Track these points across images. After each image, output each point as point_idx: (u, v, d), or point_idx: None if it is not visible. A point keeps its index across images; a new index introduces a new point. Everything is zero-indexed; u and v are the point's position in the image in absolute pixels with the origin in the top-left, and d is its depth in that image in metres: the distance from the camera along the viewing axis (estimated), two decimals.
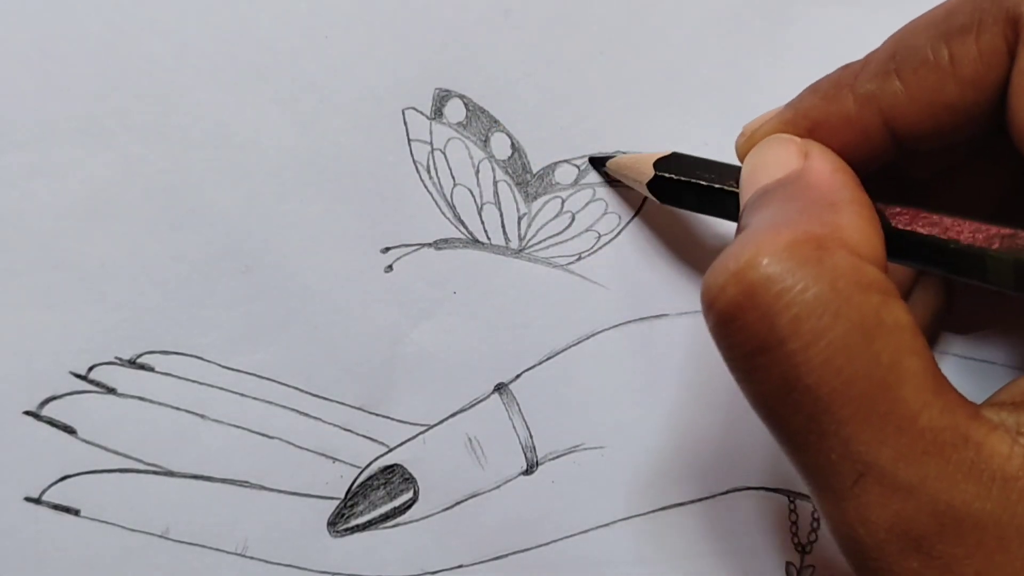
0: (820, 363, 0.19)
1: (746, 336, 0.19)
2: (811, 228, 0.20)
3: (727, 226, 0.31)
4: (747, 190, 0.23)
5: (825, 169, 0.22)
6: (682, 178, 0.27)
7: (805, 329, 0.19)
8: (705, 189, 0.27)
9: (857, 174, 0.23)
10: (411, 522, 0.31)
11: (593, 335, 0.31)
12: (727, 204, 0.26)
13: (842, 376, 0.18)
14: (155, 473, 0.30)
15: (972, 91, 0.21)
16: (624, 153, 0.30)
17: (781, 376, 0.19)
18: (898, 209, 0.22)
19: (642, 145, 0.31)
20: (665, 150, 0.28)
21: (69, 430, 0.29)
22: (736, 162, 0.26)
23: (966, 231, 0.21)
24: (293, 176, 0.30)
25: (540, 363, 0.31)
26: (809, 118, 0.24)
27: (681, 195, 0.28)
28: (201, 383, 0.30)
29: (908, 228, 0.22)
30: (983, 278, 0.21)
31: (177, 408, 0.30)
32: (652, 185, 0.28)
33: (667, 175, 0.28)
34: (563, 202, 0.31)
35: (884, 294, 0.19)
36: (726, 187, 0.26)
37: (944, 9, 0.22)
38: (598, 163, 0.30)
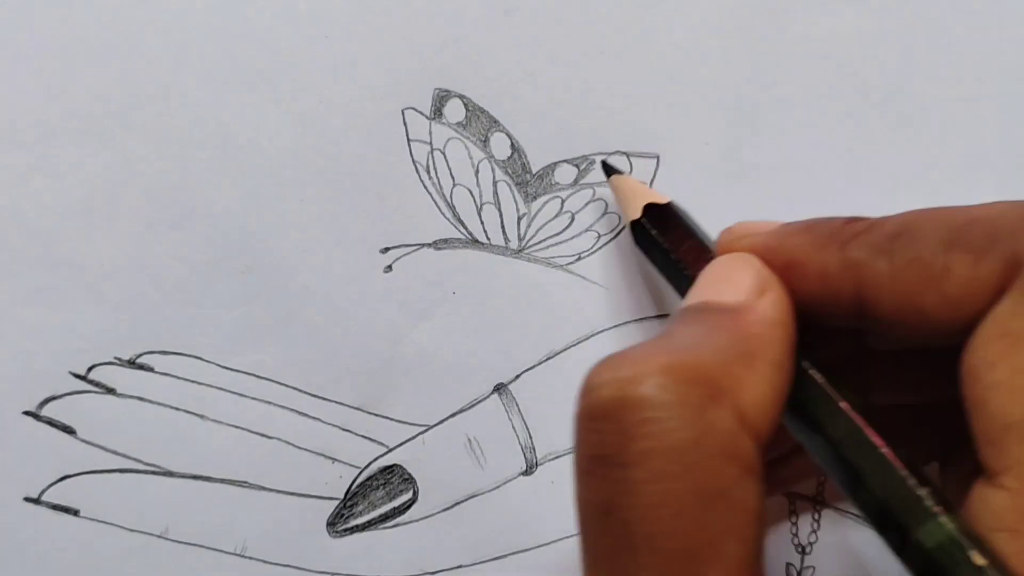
0: (647, 504, 0.18)
1: (597, 441, 0.19)
2: (714, 373, 0.19)
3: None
4: (694, 293, 0.23)
5: (767, 318, 0.21)
6: (656, 236, 0.27)
7: (650, 466, 0.18)
8: (669, 259, 0.26)
9: (821, 323, 0.22)
10: (411, 522, 0.31)
11: (593, 335, 0.31)
12: (682, 284, 0.25)
13: (661, 527, 0.18)
14: (154, 473, 0.30)
15: (949, 309, 0.20)
16: (624, 154, 0.30)
17: (608, 495, 0.18)
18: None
19: (641, 145, 0.30)
20: (666, 197, 0.28)
21: (68, 430, 0.29)
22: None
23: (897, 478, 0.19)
24: (293, 176, 0.30)
25: (540, 363, 0.31)
26: (790, 255, 0.23)
27: (651, 250, 0.27)
28: (200, 383, 0.30)
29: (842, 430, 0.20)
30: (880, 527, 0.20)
31: (176, 408, 0.30)
32: (634, 225, 0.28)
33: (647, 226, 0.27)
34: (563, 202, 0.31)
35: (745, 471, 0.18)
36: (686, 270, 0.25)
37: (969, 215, 0.21)
38: (607, 169, 0.30)
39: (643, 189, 0.29)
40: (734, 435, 0.18)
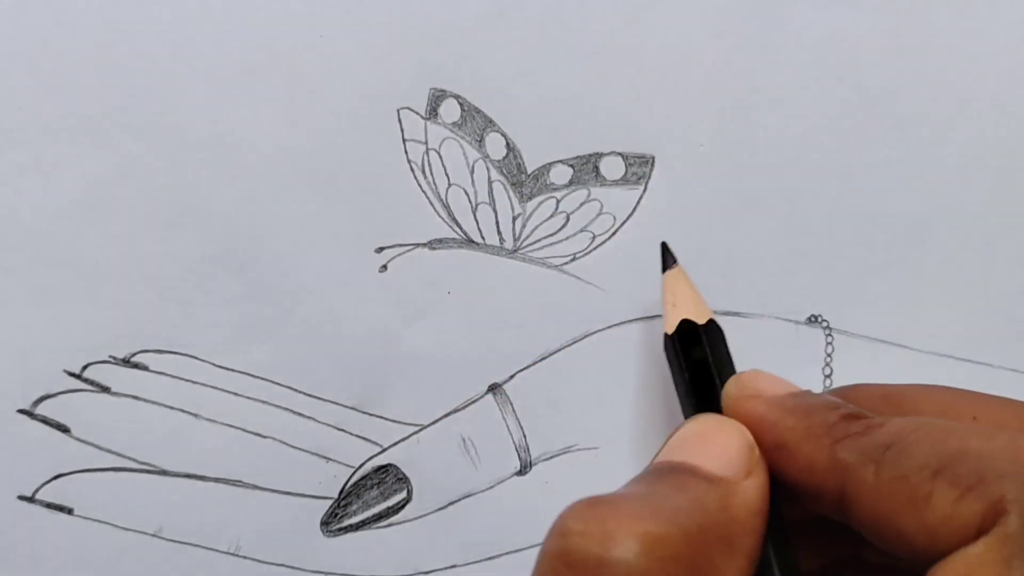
0: None
1: None
2: (696, 556, 0.19)
3: (722, 229, 0.31)
4: (681, 447, 0.22)
5: (750, 506, 0.21)
6: (679, 359, 0.26)
7: None
8: (684, 382, 0.25)
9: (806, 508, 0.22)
10: (404, 522, 0.31)
11: (587, 336, 0.31)
12: (687, 411, 0.25)
13: None
14: (148, 472, 0.30)
15: (926, 538, 0.19)
16: (619, 155, 0.30)
17: None
18: None
19: (637, 146, 0.30)
20: (709, 312, 0.26)
21: (63, 429, 0.29)
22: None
23: None
24: (288, 175, 0.30)
25: (534, 363, 0.31)
26: (781, 437, 0.22)
27: (672, 364, 0.26)
28: (195, 382, 0.30)
29: None
30: None
31: (171, 407, 0.30)
32: (667, 337, 0.27)
33: (676, 342, 0.26)
34: (558, 203, 0.31)
35: None
36: (695, 401, 0.25)
37: (963, 445, 0.20)
38: (665, 259, 0.28)
39: (687, 299, 0.27)
40: None
